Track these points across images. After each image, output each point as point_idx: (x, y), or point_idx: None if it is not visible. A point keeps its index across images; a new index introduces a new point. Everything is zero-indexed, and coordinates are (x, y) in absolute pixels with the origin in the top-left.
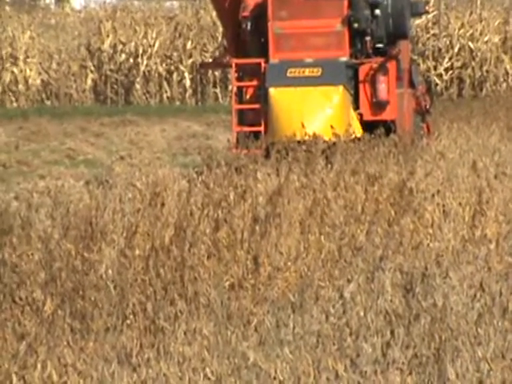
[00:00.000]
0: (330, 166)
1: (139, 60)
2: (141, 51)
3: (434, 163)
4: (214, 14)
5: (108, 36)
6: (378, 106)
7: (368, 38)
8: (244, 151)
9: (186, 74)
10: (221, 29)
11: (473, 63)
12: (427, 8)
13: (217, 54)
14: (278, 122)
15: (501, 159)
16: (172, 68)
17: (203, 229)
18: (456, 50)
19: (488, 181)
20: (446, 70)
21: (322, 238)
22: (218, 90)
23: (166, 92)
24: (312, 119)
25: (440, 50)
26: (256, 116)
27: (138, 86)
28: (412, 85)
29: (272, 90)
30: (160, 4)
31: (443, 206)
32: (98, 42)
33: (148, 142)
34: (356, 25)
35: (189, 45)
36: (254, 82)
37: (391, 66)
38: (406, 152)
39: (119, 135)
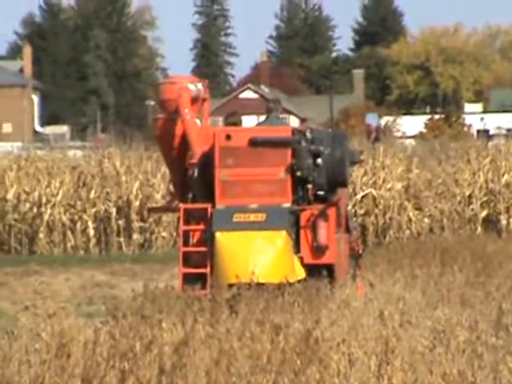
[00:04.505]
0: (235, 315)
1: (43, 209)
2: (44, 200)
3: (339, 312)
4: (118, 163)
5: (12, 186)
6: (318, 250)
7: (310, 186)
8: (191, 292)
9: (90, 223)
10: (124, 178)
11: (376, 210)
12: (361, 157)
13: (120, 202)
14: (224, 264)
15: (405, 307)
16: (76, 217)
17: (110, 380)
18: (359, 197)
19: (393, 329)
20: None
21: None
22: (121, 239)
23: (70, 241)
24: (256, 262)
25: None
26: (202, 258)
27: (41, 236)
28: (348, 230)
29: (218, 234)
30: (63, 153)
31: (349, 354)
32: (3, 191)
33: (52, 292)
34: (299, 173)
35: (92, 194)
36: (201, 226)
37: (331, 212)
38: (311, 301)
39: (23, 285)
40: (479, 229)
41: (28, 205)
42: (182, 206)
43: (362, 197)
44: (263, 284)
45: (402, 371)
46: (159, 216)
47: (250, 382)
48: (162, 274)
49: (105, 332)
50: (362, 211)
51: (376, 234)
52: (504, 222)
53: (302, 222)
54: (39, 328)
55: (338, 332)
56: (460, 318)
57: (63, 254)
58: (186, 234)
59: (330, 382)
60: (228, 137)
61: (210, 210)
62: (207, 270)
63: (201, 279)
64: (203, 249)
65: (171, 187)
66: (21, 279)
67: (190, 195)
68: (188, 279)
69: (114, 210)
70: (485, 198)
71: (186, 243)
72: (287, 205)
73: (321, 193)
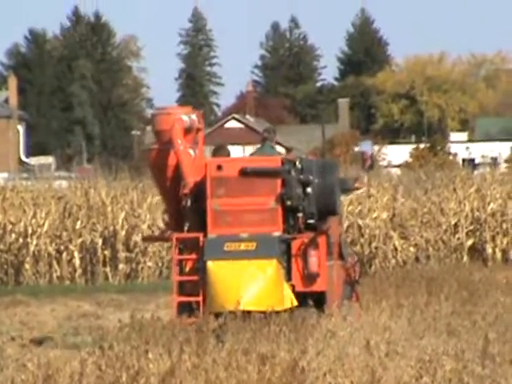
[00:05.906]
0: (221, 344)
1: (28, 240)
2: (30, 231)
3: (325, 341)
4: (104, 193)
5: None
6: (309, 278)
7: (300, 215)
8: (185, 320)
9: (76, 254)
10: (109, 208)
11: (361, 240)
12: (357, 184)
13: (106, 232)
14: (216, 293)
15: (391, 337)
16: (61, 248)
17: None
18: (345, 226)
19: (380, 359)
20: None
21: None
22: (107, 270)
23: (56, 271)
24: (247, 291)
25: None
26: (195, 287)
27: (27, 266)
28: (342, 257)
29: (210, 263)
30: (49, 184)
31: None
32: None
33: (39, 322)
34: (289, 202)
35: (78, 224)
36: (193, 255)
37: (321, 240)
38: (297, 330)
39: (9, 316)
40: (465, 257)
41: (14, 235)
42: (174, 235)
43: (348, 226)
44: (250, 312)
45: None
46: (145, 246)
47: None
48: (149, 304)
49: (91, 363)
50: (347, 240)
51: (362, 264)
52: (490, 251)
53: (293, 250)
54: (25, 358)
55: (324, 362)
56: (446, 348)
57: (49, 284)
58: (180, 263)
59: None
60: (219, 167)
61: (201, 240)
62: (200, 299)
63: (193, 308)
64: (196, 278)
65: (165, 217)
66: (6, 310)
67: (186, 225)
68: (182, 308)
69: (99, 241)
70: (471, 227)
71: (179, 272)
72: (278, 233)
73: (311, 221)
